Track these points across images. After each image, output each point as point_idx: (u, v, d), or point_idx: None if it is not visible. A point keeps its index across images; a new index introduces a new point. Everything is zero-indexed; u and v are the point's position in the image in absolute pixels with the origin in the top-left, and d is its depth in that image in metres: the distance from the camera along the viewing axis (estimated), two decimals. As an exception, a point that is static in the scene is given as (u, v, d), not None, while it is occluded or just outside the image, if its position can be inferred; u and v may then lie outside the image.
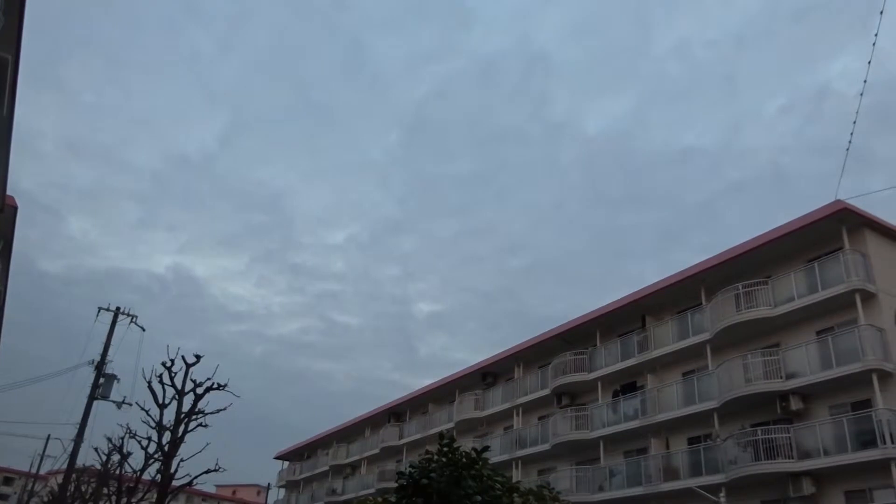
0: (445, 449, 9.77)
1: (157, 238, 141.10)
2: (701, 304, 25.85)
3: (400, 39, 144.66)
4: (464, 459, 9.66)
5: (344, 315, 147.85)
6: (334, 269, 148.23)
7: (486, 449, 10.29)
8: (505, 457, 33.11)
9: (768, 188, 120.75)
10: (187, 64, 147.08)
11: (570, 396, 31.09)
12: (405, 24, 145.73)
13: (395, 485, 10.18)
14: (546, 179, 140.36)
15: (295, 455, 58.85)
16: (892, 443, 18.58)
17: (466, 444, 34.56)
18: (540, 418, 32.67)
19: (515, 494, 9.83)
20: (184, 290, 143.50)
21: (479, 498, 9.08)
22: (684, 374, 26.25)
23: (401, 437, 42.92)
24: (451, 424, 37.78)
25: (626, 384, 28.81)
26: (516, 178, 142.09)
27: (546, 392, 31.94)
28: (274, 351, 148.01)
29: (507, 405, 34.69)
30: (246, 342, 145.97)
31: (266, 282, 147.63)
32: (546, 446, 30.58)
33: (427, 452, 10.26)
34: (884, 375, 19.76)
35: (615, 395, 29.03)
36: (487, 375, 37.44)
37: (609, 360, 29.33)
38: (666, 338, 26.96)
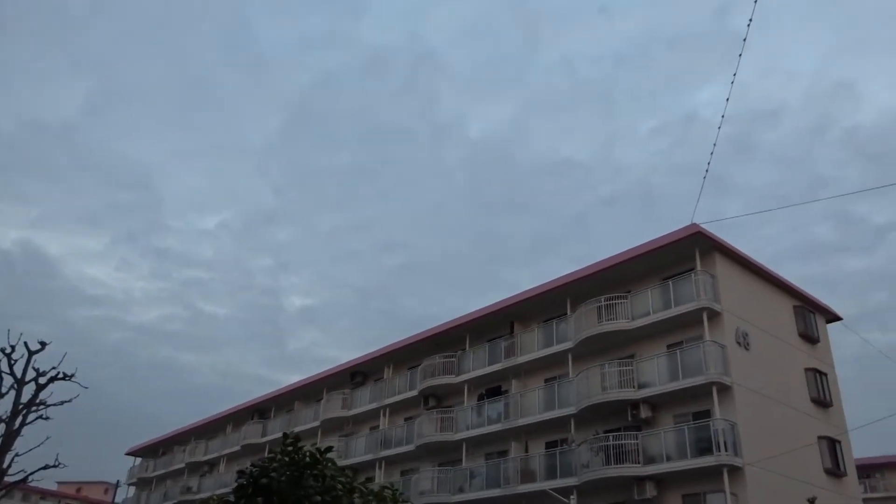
0: (289, 448, 9.56)
1: (5, 210, 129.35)
2: (566, 313, 26.82)
3: (287, 22, 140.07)
4: (307, 459, 9.49)
5: (211, 305, 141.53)
6: (203, 255, 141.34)
7: (329, 449, 10.15)
8: (369, 457, 32.97)
9: (637, 204, 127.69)
10: (52, 24, 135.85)
11: (437, 398, 31.40)
12: (294, 7, 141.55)
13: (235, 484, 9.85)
14: (429, 179, 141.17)
15: (149, 451, 55.92)
16: (726, 451, 20.04)
17: (332, 442, 34.14)
18: (406, 419, 32.78)
19: (356, 495, 9.75)
20: (32, 268, 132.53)
21: (318, 498, 8.93)
22: (546, 381, 27.14)
23: (264, 435, 41.74)
24: (317, 423, 37.22)
25: (492, 388, 29.45)
26: (399, 175, 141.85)
27: (414, 393, 32.11)
28: (132, 339, 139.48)
29: (374, 405, 34.57)
30: (101, 328, 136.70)
31: (127, 265, 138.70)
32: (410, 447, 30.71)
33: (271, 451, 10.00)
34: (723, 388, 21.28)
35: (480, 398, 29.60)
36: (356, 375, 37.14)
37: (477, 364, 29.88)
38: (532, 345, 27.79)
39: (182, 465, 48.84)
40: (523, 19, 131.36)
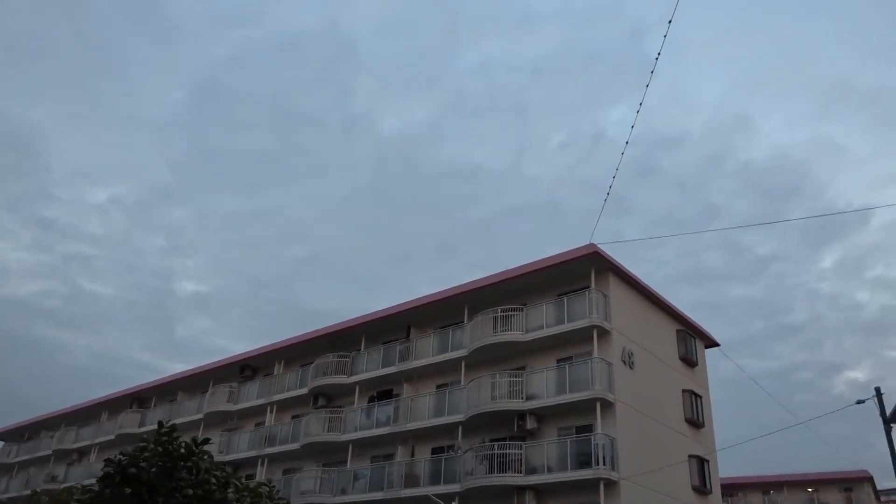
0: (164, 438, 9.15)
1: None
2: (463, 321, 27.10)
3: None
4: (181, 450, 9.10)
5: (95, 283, 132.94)
6: (90, 230, 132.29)
7: (206, 441, 9.80)
8: (252, 453, 32.13)
9: (542, 216, 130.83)
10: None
11: (327, 398, 30.98)
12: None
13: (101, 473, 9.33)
14: (336, 172, 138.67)
15: (13, 435, 52.32)
16: (604, 465, 20.79)
17: (215, 437, 32.93)
18: (294, 417, 32.16)
19: (231, 490, 9.45)
20: None
21: (190, 491, 8.60)
22: (438, 387, 27.31)
23: (141, 425, 39.87)
24: (201, 416, 35.95)
25: (383, 391, 29.35)
26: (306, 165, 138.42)
27: (304, 391, 31.53)
28: (2, 312, 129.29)
29: (262, 401, 33.71)
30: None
31: (6, 233, 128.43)
32: (295, 446, 30.15)
33: (143, 441, 9.52)
34: (606, 404, 22.09)
35: (371, 400, 29.44)
36: (246, 368, 36.15)
37: (370, 366, 29.70)
38: (427, 350, 27.90)
39: (49, 452, 45.99)
40: (445, 20, 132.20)
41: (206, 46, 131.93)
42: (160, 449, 9.09)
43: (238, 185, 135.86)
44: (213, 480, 9.04)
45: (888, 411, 13.81)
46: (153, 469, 8.78)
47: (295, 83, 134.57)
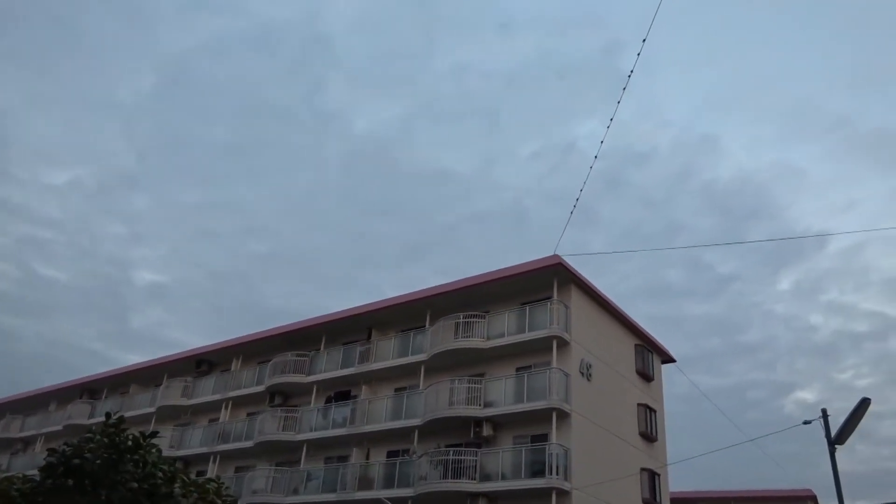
0: (111, 430, 8.94)
1: None
2: (425, 326, 27.07)
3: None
4: (129, 443, 8.90)
5: (49, 268, 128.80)
6: (48, 213, 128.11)
7: (154, 434, 9.60)
8: (204, 450, 31.65)
9: (509, 224, 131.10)
10: None
11: (284, 396, 30.68)
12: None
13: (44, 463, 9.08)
14: (305, 169, 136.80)
15: (-45, 422, 50.73)
16: (557, 474, 20.95)
17: (167, 431, 32.26)
18: (249, 414, 31.75)
19: (177, 485, 9.27)
20: None
21: (135, 484, 8.41)
22: (397, 390, 27.24)
23: (91, 417, 38.94)
24: (153, 409, 35.29)
25: (341, 392, 29.16)
26: (274, 159, 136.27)
27: (260, 389, 31.19)
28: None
29: (217, 396, 33.24)
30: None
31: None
32: (249, 443, 29.78)
33: (90, 432, 9.29)
34: (562, 414, 22.25)
35: (328, 401, 29.22)
36: (202, 363, 35.59)
37: (329, 367, 29.50)
38: (387, 353, 27.81)
39: (-9, 441, 44.74)
40: (423, 20, 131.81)
41: (179, 31, 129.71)
42: (107, 441, 8.87)
43: (204, 175, 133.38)
44: (160, 474, 8.86)
45: (833, 433, 14.14)
46: (98, 461, 8.56)
47: (267, 76, 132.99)
